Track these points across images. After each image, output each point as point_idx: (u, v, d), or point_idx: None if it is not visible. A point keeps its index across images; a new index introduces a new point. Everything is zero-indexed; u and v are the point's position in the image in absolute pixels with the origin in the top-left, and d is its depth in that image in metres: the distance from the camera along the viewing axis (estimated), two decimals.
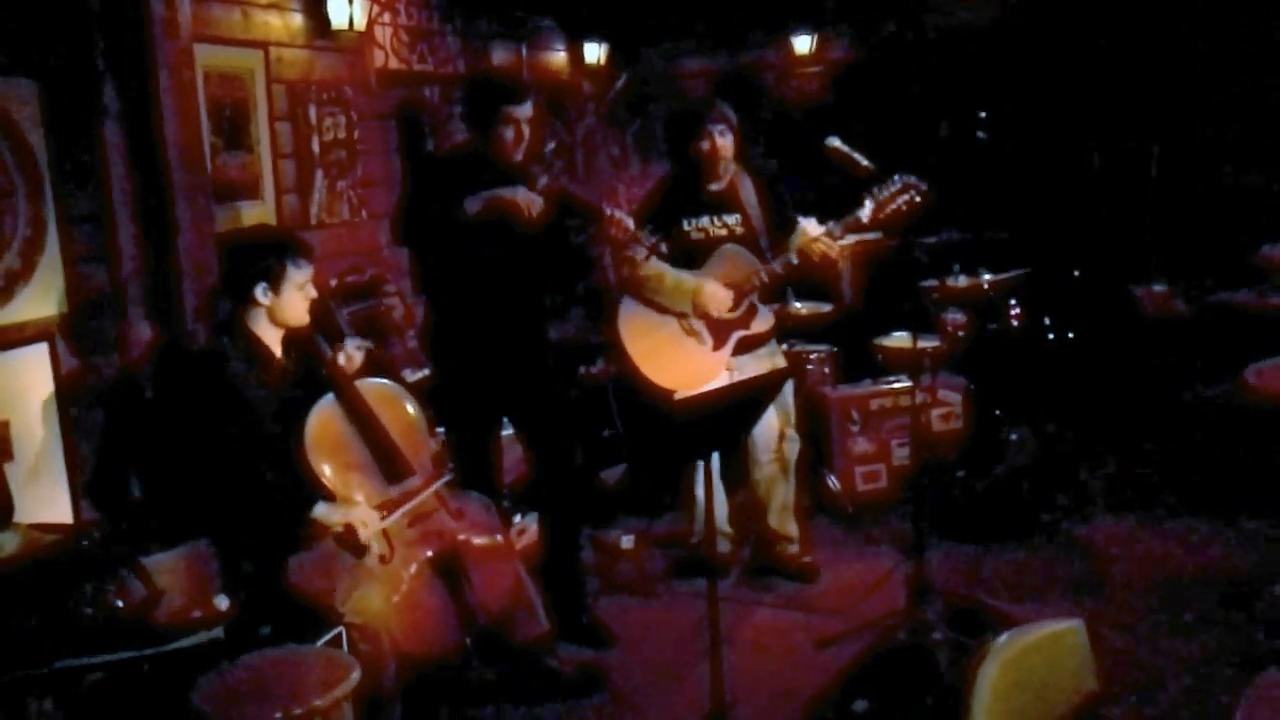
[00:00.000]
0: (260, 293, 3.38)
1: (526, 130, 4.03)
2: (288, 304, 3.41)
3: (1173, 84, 6.87)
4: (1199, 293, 6.00)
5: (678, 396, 4.25)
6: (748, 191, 4.55)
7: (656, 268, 4.38)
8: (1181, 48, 6.81)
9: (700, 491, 4.53)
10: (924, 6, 7.65)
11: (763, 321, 4.53)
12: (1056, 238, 6.63)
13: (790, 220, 4.56)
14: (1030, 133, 7.16)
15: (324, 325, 3.59)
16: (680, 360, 4.42)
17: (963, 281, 5.39)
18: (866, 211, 4.16)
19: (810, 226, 4.50)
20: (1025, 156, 7.06)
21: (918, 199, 4.11)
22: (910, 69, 7.62)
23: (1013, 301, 5.69)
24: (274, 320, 3.44)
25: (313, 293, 3.47)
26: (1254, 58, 6.60)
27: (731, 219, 4.51)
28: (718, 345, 4.47)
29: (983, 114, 7.20)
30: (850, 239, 4.52)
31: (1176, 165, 6.94)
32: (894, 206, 4.13)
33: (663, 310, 4.46)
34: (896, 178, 4.15)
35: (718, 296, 4.40)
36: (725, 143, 4.44)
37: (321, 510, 3.29)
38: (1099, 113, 7.09)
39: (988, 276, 5.39)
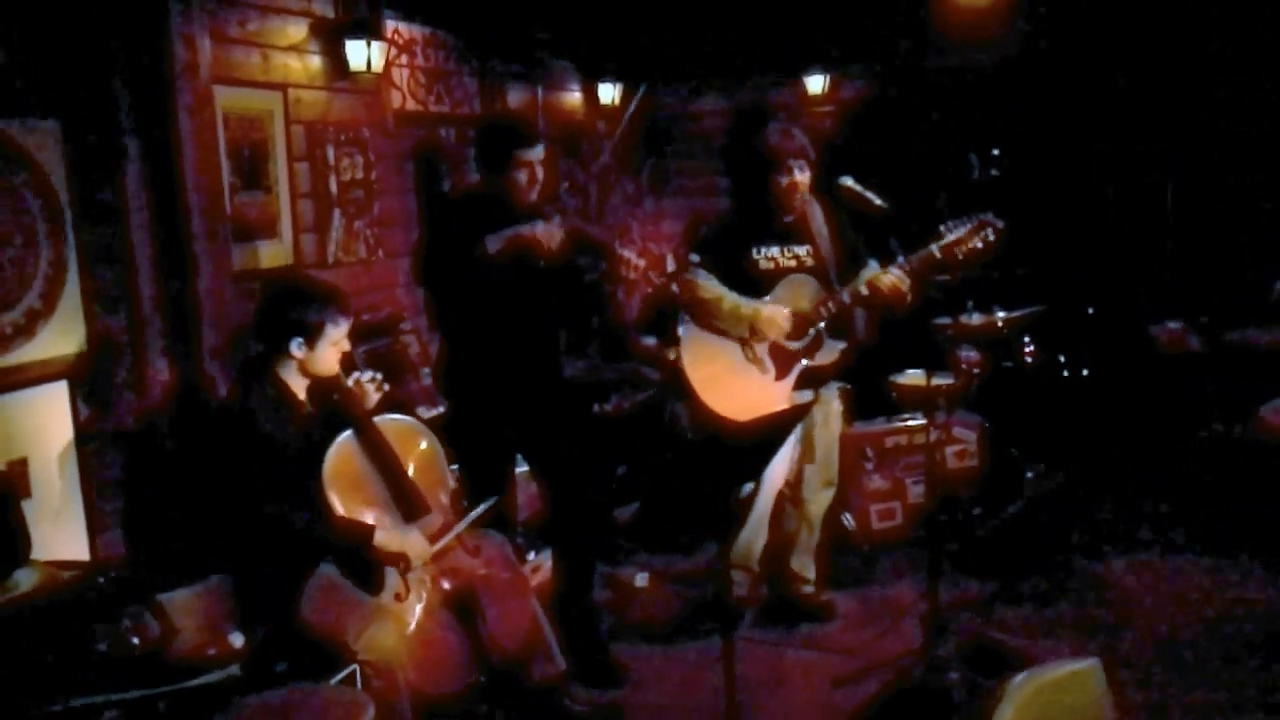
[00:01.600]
0: (295, 346, 3.37)
1: (540, 172, 4.07)
2: (321, 358, 3.41)
3: (1189, 120, 6.89)
4: (1215, 330, 5.99)
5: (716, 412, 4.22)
6: (818, 222, 4.47)
7: (714, 290, 4.32)
8: (1197, 83, 6.84)
9: (748, 528, 4.52)
10: (936, 45, 7.69)
11: (828, 354, 4.45)
12: (1071, 275, 6.62)
13: (862, 256, 4.53)
14: (1045, 169, 7.18)
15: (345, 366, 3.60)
16: (741, 389, 4.30)
17: (977, 319, 5.39)
18: (938, 247, 4.10)
19: (871, 268, 4.46)
20: (1040, 193, 7.08)
21: (993, 237, 4.04)
22: (923, 107, 7.66)
23: (1027, 339, 5.69)
24: (304, 372, 3.43)
25: (346, 346, 3.46)
26: (1270, 93, 6.62)
27: (802, 250, 4.44)
28: (780, 375, 4.37)
29: (996, 151, 7.23)
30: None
31: (1192, 202, 6.95)
32: (969, 245, 4.06)
33: (724, 336, 4.37)
34: (972, 215, 4.09)
35: (777, 320, 4.29)
36: (804, 179, 4.37)
37: (382, 537, 3.30)
38: (1114, 149, 7.11)
39: (1002, 314, 5.39)
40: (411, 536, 3.37)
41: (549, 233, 3.93)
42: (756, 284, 4.39)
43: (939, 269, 4.18)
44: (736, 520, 4.49)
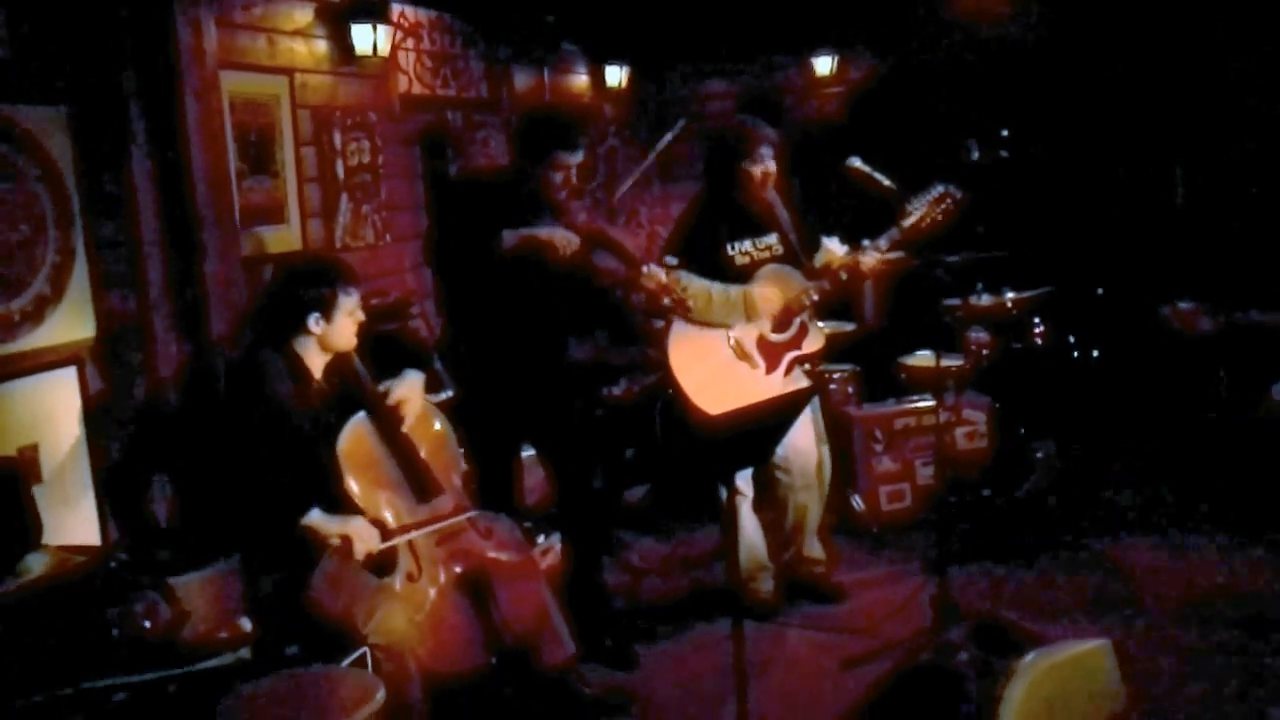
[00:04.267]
0: (313, 322, 3.40)
1: (575, 175, 4.10)
2: (338, 331, 3.44)
3: (1198, 100, 6.85)
4: (1226, 310, 5.95)
5: (708, 413, 4.21)
6: (780, 210, 4.51)
7: (700, 285, 4.30)
8: (1206, 63, 6.79)
9: (745, 528, 4.50)
10: (946, 25, 7.66)
11: (814, 340, 4.48)
12: (1081, 255, 6.60)
13: (816, 238, 4.54)
14: (1054, 150, 7.14)
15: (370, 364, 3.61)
16: (733, 386, 4.25)
17: (986, 300, 5.37)
18: (910, 221, 4.16)
19: (832, 245, 4.48)
20: (1049, 174, 7.05)
21: (953, 206, 4.12)
22: (931, 88, 7.63)
23: (1037, 320, 5.67)
24: (324, 347, 3.46)
25: (360, 316, 3.49)
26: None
27: (771, 239, 4.46)
28: (770, 368, 4.39)
29: (1005, 132, 7.20)
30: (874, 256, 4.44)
31: (1203, 182, 6.91)
32: (934, 215, 4.14)
33: (713, 332, 4.36)
34: (934, 186, 4.15)
35: (769, 297, 4.34)
36: (773, 168, 4.38)
37: (316, 518, 3.25)
38: (1124, 129, 7.08)
39: (1011, 295, 5.37)
40: (354, 523, 3.29)
41: (565, 238, 3.96)
42: (735, 279, 4.40)
43: (908, 243, 4.24)
44: (728, 531, 4.47)
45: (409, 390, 3.57)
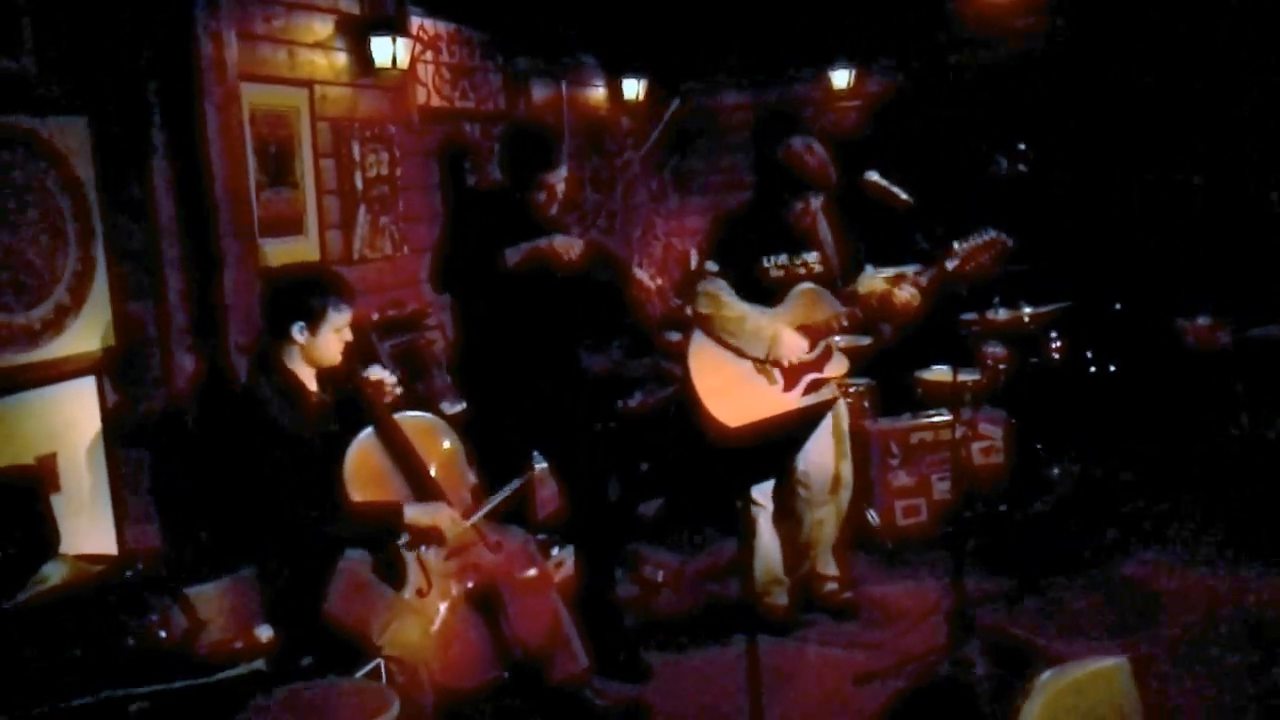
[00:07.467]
0: (297, 331, 3.36)
1: (561, 190, 4.11)
2: (323, 345, 3.39)
3: (1216, 114, 6.83)
4: (1244, 326, 5.93)
5: (724, 425, 4.21)
6: (824, 227, 4.50)
7: (737, 310, 4.33)
8: (1226, 77, 6.77)
9: (762, 541, 4.50)
10: (963, 39, 7.65)
11: (836, 366, 4.47)
12: (1098, 270, 6.57)
13: (861, 259, 4.53)
14: (1073, 164, 7.13)
15: (365, 360, 3.61)
16: (748, 399, 4.27)
17: (1003, 314, 5.36)
18: (954, 263, 4.12)
19: (875, 274, 4.46)
20: (1067, 188, 7.03)
21: (1002, 252, 4.09)
22: (949, 101, 7.62)
23: (1054, 334, 5.65)
24: (307, 359, 3.42)
25: (349, 336, 3.44)
26: None
27: (811, 257, 4.45)
28: (788, 386, 4.39)
29: (1022, 145, 7.18)
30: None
31: (1220, 197, 6.88)
32: (980, 260, 4.10)
33: (737, 350, 4.39)
34: (985, 230, 4.12)
35: (794, 346, 4.34)
36: (817, 208, 4.37)
37: (413, 512, 3.34)
38: (1142, 144, 7.06)
39: (1028, 309, 5.36)
40: (442, 510, 3.38)
41: (567, 244, 3.97)
42: (768, 292, 4.40)
43: (949, 283, 4.20)
44: (745, 541, 4.45)
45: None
